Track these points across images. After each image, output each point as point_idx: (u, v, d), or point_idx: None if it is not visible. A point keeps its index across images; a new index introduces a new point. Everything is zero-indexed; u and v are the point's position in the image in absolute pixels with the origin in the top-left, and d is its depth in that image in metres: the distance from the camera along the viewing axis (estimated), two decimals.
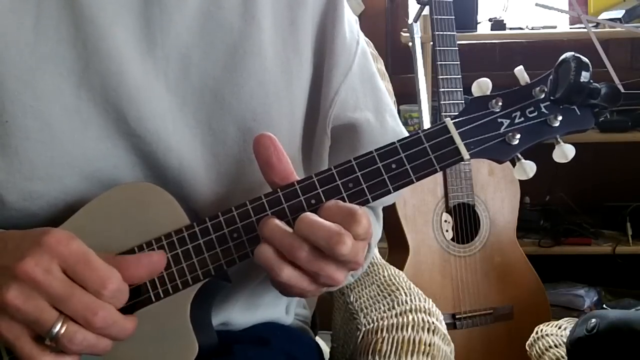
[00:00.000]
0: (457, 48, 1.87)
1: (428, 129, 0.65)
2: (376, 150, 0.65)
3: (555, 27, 2.42)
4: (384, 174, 0.65)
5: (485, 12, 2.42)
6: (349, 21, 0.82)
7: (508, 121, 0.65)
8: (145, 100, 0.71)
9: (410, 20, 2.12)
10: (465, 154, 0.65)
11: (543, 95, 0.65)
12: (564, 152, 0.65)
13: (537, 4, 2.19)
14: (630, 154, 2.43)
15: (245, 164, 0.75)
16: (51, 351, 0.61)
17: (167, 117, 0.73)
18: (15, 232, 0.65)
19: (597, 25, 2.25)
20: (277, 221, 0.63)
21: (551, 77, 0.65)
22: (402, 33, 2.30)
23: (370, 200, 0.65)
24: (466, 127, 0.65)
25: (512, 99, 0.66)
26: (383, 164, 0.65)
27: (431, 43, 1.93)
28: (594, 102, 0.64)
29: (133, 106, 0.71)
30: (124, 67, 0.71)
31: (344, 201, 0.65)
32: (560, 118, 0.64)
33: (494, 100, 0.65)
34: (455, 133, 0.65)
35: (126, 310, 0.65)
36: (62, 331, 0.59)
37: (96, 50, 0.70)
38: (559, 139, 0.65)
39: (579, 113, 0.65)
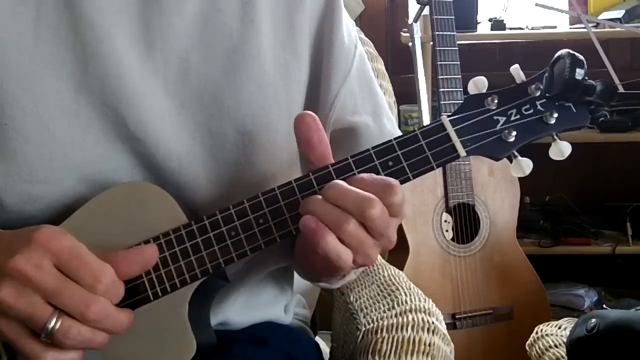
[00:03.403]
0: (457, 48, 1.87)
1: (424, 126, 0.66)
2: (373, 148, 0.65)
3: (555, 27, 2.42)
4: (380, 171, 0.65)
5: (485, 12, 2.42)
6: (347, 25, 0.83)
7: (504, 118, 0.65)
8: (144, 103, 0.72)
9: (410, 20, 2.12)
10: (462, 151, 0.65)
11: (539, 93, 0.65)
12: (560, 150, 0.65)
13: (537, 4, 2.19)
14: (630, 154, 2.43)
15: (244, 167, 0.76)
16: (53, 347, 0.61)
17: (166, 120, 0.73)
18: (7, 232, 0.65)
19: (597, 25, 2.25)
20: (319, 197, 0.63)
21: (546, 74, 0.65)
22: (402, 33, 2.30)
23: None
24: (462, 125, 0.65)
25: (508, 97, 0.66)
26: (380, 161, 0.65)
27: (431, 43, 1.93)
28: (589, 99, 0.64)
29: (132, 109, 0.71)
30: (123, 70, 0.71)
31: None
32: (556, 115, 0.65)
33: (489, 98, 0.65)
34: (451, 130, 0.65)
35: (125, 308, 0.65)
36: (57, 326, 0.59)
37: (95, 53, 0.70)
38: (555, 136, 0.66)
39: (574, 110, 0.65)
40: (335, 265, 0.63)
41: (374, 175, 0.64)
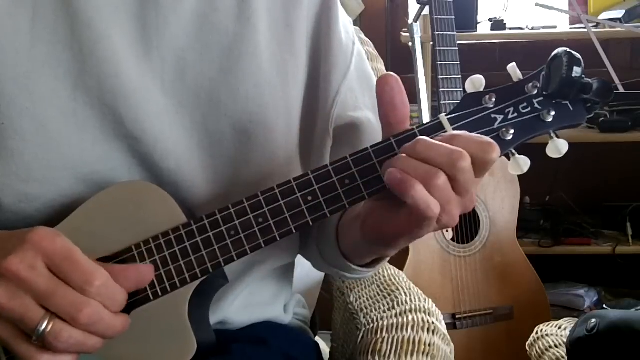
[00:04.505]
0: (457, 48, 1.86)
1: (423, 124, 0.65)
2: (372, 146, 0.65)
3: (555, 27, 2.42)
4: (379, 170, 0.65)
5: (485, 12, 2.42)
6: (344, 23, 0.83)
7: (502, 117, 0.65)
8: (142, 102, 0.71)
9: (410, 20, 2.12)
10: None
11: (536, 91, 0.65)
12: (557, 147, 0.65)
13: (537, 4, 2.19)
14: (630, 154, 2.43)
15: (241, 165, 0.76)
16: (47, 350, 0.61)
17: (164, 118, 0.73)
18: (3, 232, 0.65)
19: (597, 25, 2.25)
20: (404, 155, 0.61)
21: (544, 72, 0.65)
22: (402, 33, 2.30)
23: (367, 196, 0.65)
24: (460, 123, 0.65)
25: (505, 95, 0.66)
26: (378, 160, 0.65)
27: (431, 43, 1.93)
28: (586, 97, 0.64)
29: (129, 108, 0.71)
30: (120, 69, 0.71)
31: (340, 198, 0.65)
32: (553, 113, 0.65)
33: (487, 97, 0.65)
34: (449, 128, 0.65)
35: (124, 308, 0.65)
36: (48, 329, 0.59)
37: (92, 52, 0.70)
38: (552, 134, 0.65)
39: (571, 108, 0.65)
40: (422, 219, 0.60)
41: (467, 133, 0.62)
